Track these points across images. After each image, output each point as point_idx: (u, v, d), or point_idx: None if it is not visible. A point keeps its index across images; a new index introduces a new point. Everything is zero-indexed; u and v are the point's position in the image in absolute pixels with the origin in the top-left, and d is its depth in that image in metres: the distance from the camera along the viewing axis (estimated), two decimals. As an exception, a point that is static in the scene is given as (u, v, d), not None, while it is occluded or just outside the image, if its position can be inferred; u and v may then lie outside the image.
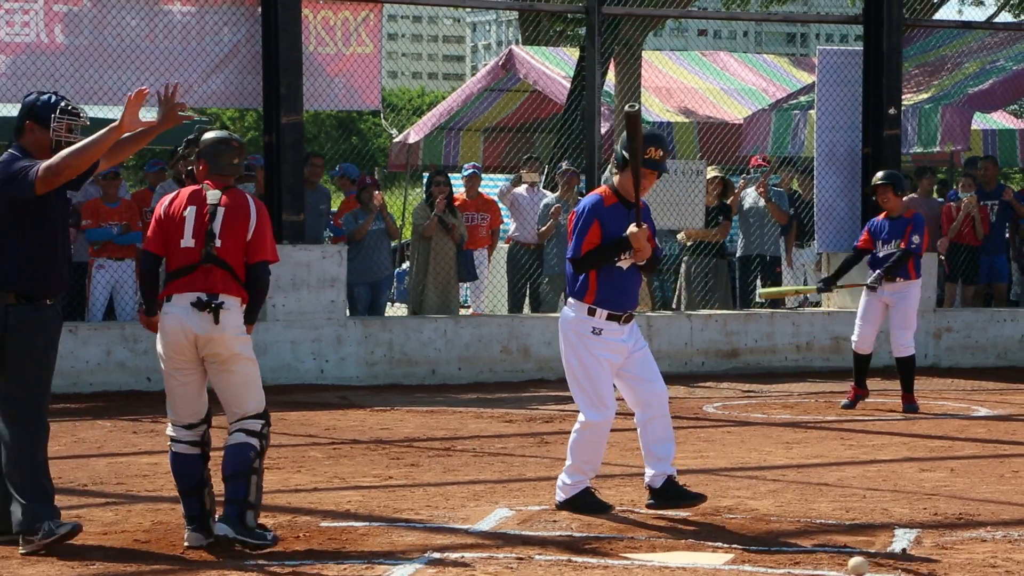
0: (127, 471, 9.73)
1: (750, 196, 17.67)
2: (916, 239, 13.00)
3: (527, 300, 17.03)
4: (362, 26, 15.21)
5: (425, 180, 17.91)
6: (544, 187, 18.15)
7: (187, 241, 7.30)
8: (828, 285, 13.66)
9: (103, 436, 11.42)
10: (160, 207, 7.47)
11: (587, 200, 8.27)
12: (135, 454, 10.53)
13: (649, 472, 8.26)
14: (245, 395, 7.36)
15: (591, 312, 8.13)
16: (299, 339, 14.46)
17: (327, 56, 15.06)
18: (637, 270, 8.23)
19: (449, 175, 16.98)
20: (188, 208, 7.36)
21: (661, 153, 8.14)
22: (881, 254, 13.08)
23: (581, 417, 8.25)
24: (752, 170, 17.93)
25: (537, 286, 16.86)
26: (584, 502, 8.18)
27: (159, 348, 7.44)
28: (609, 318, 8.12)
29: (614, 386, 8.29)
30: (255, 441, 7.30)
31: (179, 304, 7.32)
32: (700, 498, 8.22)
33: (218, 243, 7.29)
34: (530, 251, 16.86)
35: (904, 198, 13.32)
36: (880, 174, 13.39)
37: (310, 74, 14.82)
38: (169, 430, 7.47)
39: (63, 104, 7.55)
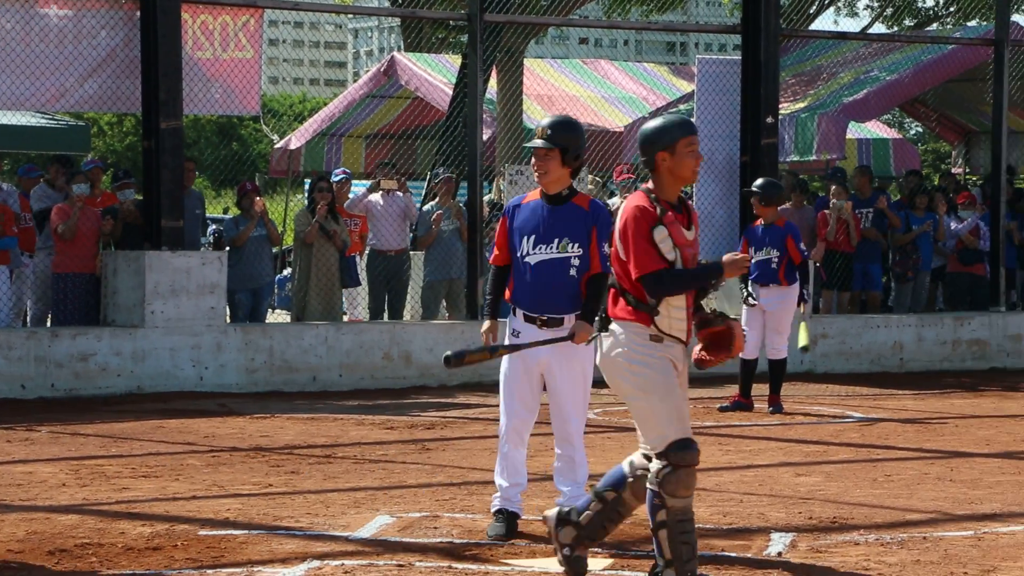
0: (1, 480, 9.57)
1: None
2: (804, 247, 13.43)
3: (406, 308, 16.96)
4: (242, 31, 15.11)
5: (307, 186, 17.80)
6: (425, 194, 18.14)
7: None
8: (750, 297, 13.45)
9: (-24, 445, 11.22)
10: None
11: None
12: (9, 463, 10.36)
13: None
14: (640, 427, 6.61)
15: (512, 311, 7.80)
16: (178, 346, 14.32)
17: (205, 60, 14.94)
18: (550, 265, 7.67)
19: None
20: None
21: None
22: (754, 260, 13.31)
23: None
24: (618, 184, 18.09)
25: (394, 295, 16.70)
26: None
27: None
28: (526, 320, 7.75)
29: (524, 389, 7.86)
30: (652, 486, 6.48)
31: None
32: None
33: None
34: (389, 258, 16.71)
35: (779, 207, 13.56)
36: (758, 182, 13.62)
37: (188, 78, 14.69)
38: None
39: None
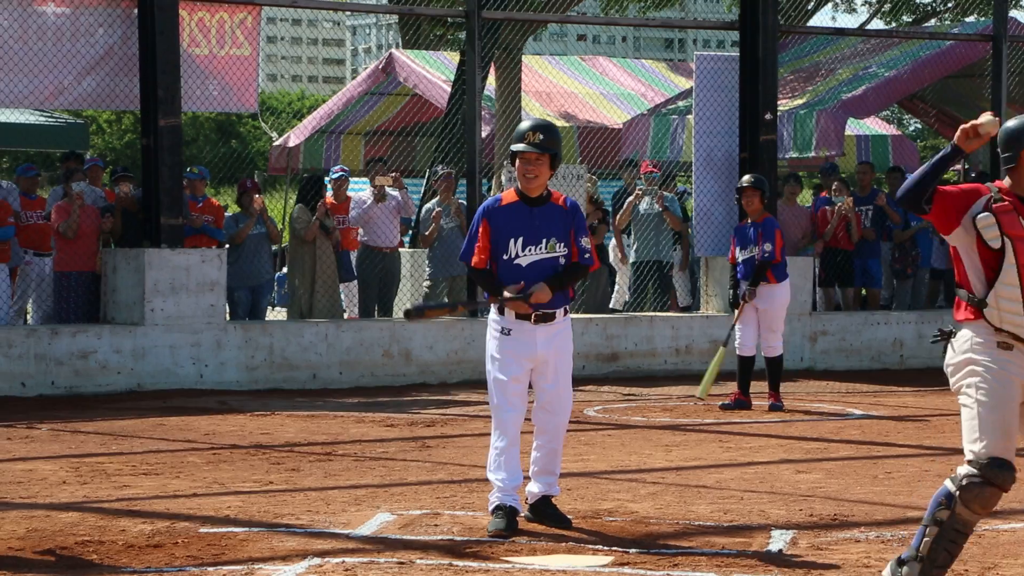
0: (1, 478, 9.57)
1: (644, 201, 17.77)
2: (768, 247, 13.11)
3: (398, 305, 16.95)
4: (239, 28, 15.10)
5: (300, 185, 17.77)
6: (424, 191, 18.12)
7: None
8: (738, 300, 13.47)
9: (-24, 443, 11.22)
10: None
11: None
12: (10, 460, 10.36)
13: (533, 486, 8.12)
14: (964, 429, 6.25)
15: (500, 311, 7.85)
16: (178, 343, 14.32)
17: (202, 57, 14.94)
18: (542, 265, 7.83)
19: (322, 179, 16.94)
20: None
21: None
22: (740, 259, 13.33)
23: None
24: (644, 176, 18.01)
25: (386, 292, 16.67)
26: None
27: None
28: (518, 317, 7.84)
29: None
30: (950, 486, 6.24)
31: None
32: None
33: None
34: (381, 256, 16.67)
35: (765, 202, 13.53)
36: (746, 177, 13.60)
37: (185, 75, 14.69)
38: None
39: None
